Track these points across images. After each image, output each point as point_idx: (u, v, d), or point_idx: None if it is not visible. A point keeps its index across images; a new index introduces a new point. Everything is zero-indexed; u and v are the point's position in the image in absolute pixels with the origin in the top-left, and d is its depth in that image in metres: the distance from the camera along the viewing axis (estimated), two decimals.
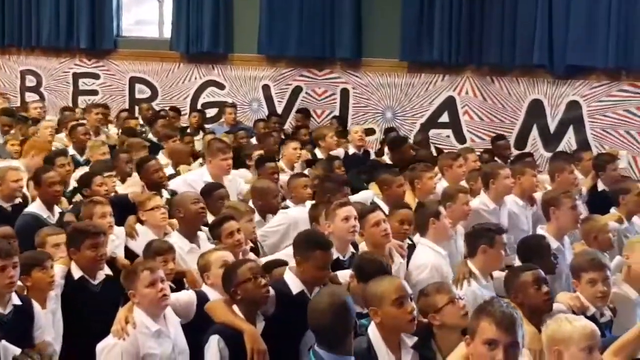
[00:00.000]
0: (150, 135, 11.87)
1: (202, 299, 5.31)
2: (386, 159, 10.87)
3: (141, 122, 13.34)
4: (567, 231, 6.79)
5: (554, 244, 6.49)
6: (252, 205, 7.42)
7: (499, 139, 12.03)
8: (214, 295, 5.32)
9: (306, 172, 8.95)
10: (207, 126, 13.91)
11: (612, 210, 7.69)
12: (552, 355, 4.05)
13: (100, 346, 4.91)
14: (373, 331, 4.56)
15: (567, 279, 6.42)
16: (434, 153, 11.51)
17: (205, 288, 5.46)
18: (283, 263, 5.79)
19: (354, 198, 7.66)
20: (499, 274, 5.95)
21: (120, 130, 12.37)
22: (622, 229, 7.36)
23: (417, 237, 6.72)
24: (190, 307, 5.29)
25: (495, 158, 10.91)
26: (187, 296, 5.37)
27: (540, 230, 6.76)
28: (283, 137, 12.08)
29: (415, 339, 4.65)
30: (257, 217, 7.30)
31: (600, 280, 5.45)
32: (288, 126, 14.08)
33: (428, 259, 6.30)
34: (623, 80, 12.06)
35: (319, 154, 10.80)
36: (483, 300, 4.31)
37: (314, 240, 5.49)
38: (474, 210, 7.38)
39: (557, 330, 4.06)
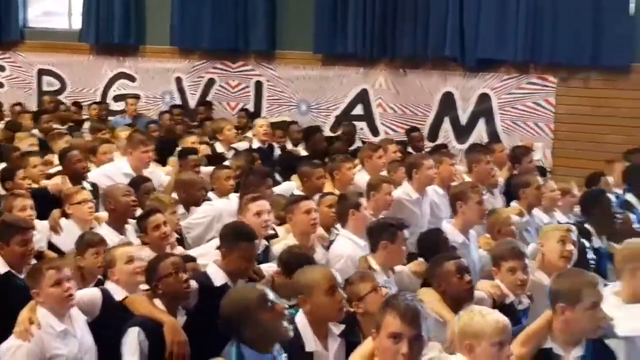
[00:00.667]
0: (35, 131, 11.38)
1: (106, 296, 5.22)
2: (300, 150, 10.89)
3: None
4: (473, 225, 6.85)
5: (459, 237, 6.57)
6: (176, 197, 7.36)
7: (413, 131, 12.20)
8: (118, 291, 5.23)
9: (228, 163, 8.90)
10: (110, 118, 13.67)
11: (513, 203, 7.84)
12: (463, 349, 4.03)
13: (3, 347, 4.77)
14: (300, 319, 4.57)
15: (473, 271, 6.53)
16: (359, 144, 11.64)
17: (109, 284, 5.35)
18: (191, 259, 5.78)
19: (276, 190, 7.71)
20: (400, 268, 6.02)
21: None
22: (523, 222, 7.48)
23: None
24: (95, 305, 5.17)
25: (409, 149, 11.04)
26: (91, 293, 5.25)
27: (447, 224, 6.85)
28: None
29: (343, 327, 4.68)
30: (181, 209, 7.27)
31: (519, 269, 5.57)
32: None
33: (345, 249, 6.34)
34: (532, 73, 12.32)
35: (219, 147, 10.72)
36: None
37: (239, 231, 5.50)
38: (397, 200, 7.46)
39: (469, 324, 4.04)
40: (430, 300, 5.14)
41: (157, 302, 4.98)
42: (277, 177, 9.01)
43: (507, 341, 4.05)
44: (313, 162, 8.28)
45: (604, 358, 4.43)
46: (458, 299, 5.19)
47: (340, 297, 4.62)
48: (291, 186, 8.09)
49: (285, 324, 4.19)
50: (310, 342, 4.53)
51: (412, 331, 3.78)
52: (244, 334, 4.06)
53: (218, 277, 5.31)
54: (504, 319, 4.06)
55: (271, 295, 4.21)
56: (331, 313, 4.59)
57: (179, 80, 14.66)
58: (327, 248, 6.53)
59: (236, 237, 5.40)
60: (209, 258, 5.72)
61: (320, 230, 6.62)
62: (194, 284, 5.16)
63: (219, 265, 5.38)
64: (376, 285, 4.97)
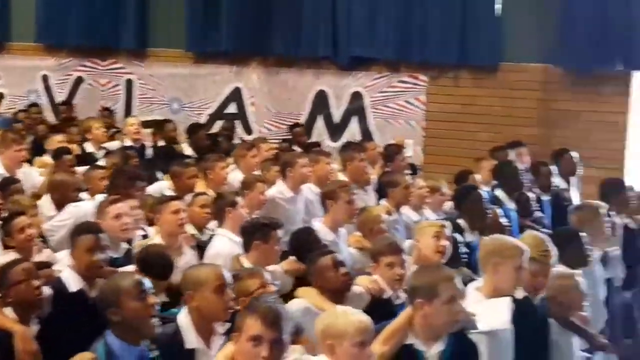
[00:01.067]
0: None
1: None
2: (184, 147, 10.80)
3: None
4: (343, 224, 6.91)
5: (329, 235, 6.62)
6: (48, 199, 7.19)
7: (296, 127, 12.34)
8: None
9: (102, 162, 8.69)
10: None
11: (382, 202, 7.93)
12: (325, 349, 4.00)
13: None
14: (183, 317, 4.49)
15: None
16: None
17: None
18: (46, 265, 5.61)
19: (147, 190, 7.56)
20: (273, 268, 5.97)
21: None
22: (392, 220, 7.57)
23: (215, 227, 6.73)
24: None
25: (294, 146, 11.08)
26: None
27: (316, 222, 6.88)
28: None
29: (228, 325, 4.59)
30: (54, 210, 7.08)
31: (397, 264, 5.66)
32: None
33: (223, 248, 6.28)
34: (403, 72, 12.50)
35: (88, 147, 10.44)
36: None
37: (81, 225, 5.47)
38: (270, 199, 7.47)
39: (331, 323, 4.02)
40: (310, 297, 5.23)
41: (8, 310, 4.77)
42: (160, 175, 8.88)
43: (369, 341, 4.05)
44: (184, 162, 8.20)
45: (465, 351, 4.49)
46: (336, 292, 5.25)
47: (228, 297, 4.54)
48: (162, 186, 7.96)
49: (153, 320, 4.14)
50: (191, 340, 4.44)
51: (273, 334, 3.77)
52: (112, 320, 4.04)
53: (73, 282, 5.16)
54: (366, 319, 4.06)
55: (148, 286, 4.17)
56: (217, 312, 4.50)
57: (45, 79, 14.28)
58: (197, 248, 6.47)
59: (77, 233, 5.32)
60: (66, 263, 5.52)
61: (191, 230, 6.57)
62: (47, 290, 4.98)
63: (73, 269, 5.23)
64: (265, 282, 4.95)
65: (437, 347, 4.39)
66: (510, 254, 4.91)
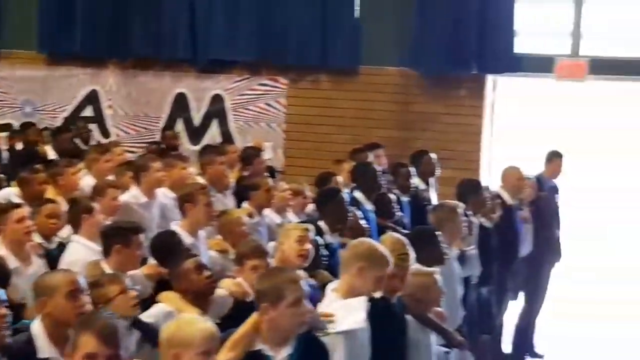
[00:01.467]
0: None
1: None
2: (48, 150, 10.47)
3: None
4: (201, 226, 6.81)
5: (188, 239, 6.52)
6: None
7: (166, 129, 12.24)
8: None
9: None
10: None
11: (244, 204, 7.90)
12: (169, 359, 3.90)
13: None
14: (37, 325, 4.35)
15: None
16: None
17: None
18: None
19: None
20: (133, 272, 5.81)
21: None
22: (254, 222, 7.55)
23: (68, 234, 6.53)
24: None
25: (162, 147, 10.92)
26: None
27: (175, 226, 6.76)
28: None
29: None
30: None
31: (262, 267, 5.57)
32: None
33: (78, 255, 6.08)
34: (263, 75, 12.52)
35: None
36: None
37: None
38: (125, 205, 7.28)
39: (176, 332, 3.93)
40: (172, 301, 5.14)
41: None
42: None
43: (214, 350, 3.98)
44: (33, 167, 7.89)
45: (313, 354, 4.45)
46: (200, 296, 5.20)
47: (82, 303, 4.40)
48: (9, 192, 7.63)
49: (4, 331, 4.02)
50: (44, 348, 4.28)
51: (109, 350, 3.68)
52: None
53: None
54: (212, 327, 4.00)
55: (1, 297, 4.05)
56: (71, 318, 4.32)
57: None
58: (46, 256, 6.25)
59: None
60: None
61: (38, 239, 6.32)
62: None
63: None
64: (124, 288, 4.88)
65: (285, 351, 4.34)
66: (377, 262, 4.90)
